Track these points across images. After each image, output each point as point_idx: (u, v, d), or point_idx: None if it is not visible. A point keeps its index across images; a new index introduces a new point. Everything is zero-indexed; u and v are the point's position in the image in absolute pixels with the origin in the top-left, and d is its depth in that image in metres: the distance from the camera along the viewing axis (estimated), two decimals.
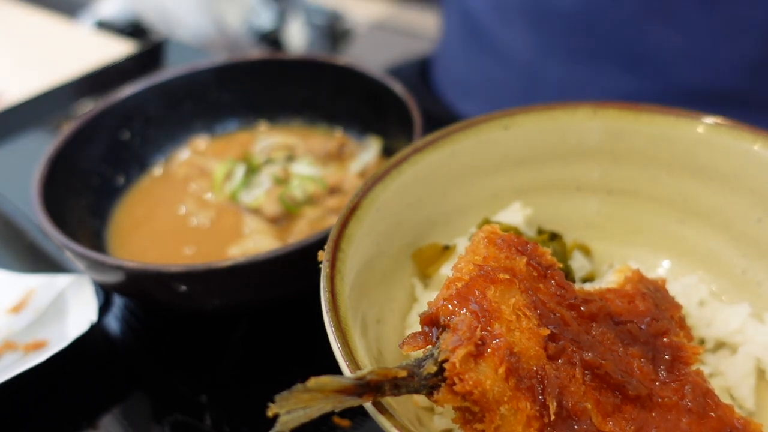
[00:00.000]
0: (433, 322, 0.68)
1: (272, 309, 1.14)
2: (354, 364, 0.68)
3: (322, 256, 0.79)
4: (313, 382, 0.60)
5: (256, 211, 1.32)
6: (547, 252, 0.76)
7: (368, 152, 1.42)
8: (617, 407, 0.69)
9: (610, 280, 0.85)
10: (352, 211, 0.85)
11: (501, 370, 0.63)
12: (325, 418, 0.97)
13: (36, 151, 1.40)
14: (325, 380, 0.61)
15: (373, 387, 0.63)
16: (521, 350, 0.66)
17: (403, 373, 0.63)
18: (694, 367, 0.75)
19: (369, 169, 1.39)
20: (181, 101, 1.48)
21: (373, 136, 1.44)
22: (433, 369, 0.64)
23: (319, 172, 1.38)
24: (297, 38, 2.80)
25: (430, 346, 0.67)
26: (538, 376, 0.66)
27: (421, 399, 0.81)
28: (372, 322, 0.84)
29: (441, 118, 1.98)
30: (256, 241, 1.23)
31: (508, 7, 1.80)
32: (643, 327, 0.76)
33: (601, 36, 1.68)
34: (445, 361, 0.63)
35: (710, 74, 1.63)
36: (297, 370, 1.08)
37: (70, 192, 1.26)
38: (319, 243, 0.89)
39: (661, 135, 0.95)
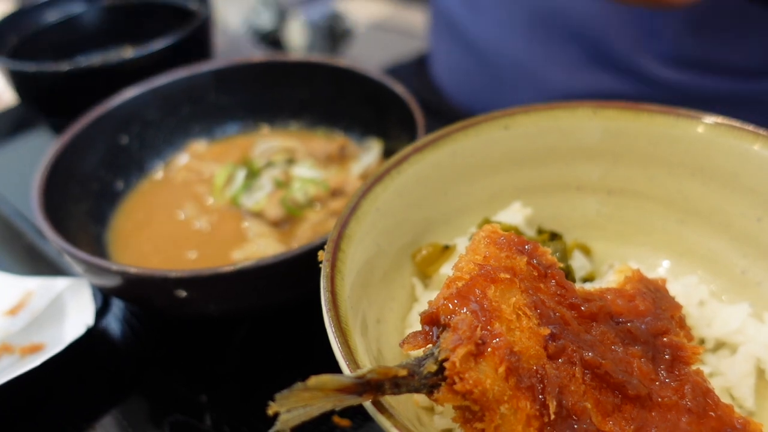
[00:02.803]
0: (433, 321, 0.68)
1: (274, 312, 1.14)
2: (354, 363, 0.68)
3: (323, 256, 0.79)
4: (313, 380, 0.60)
5: (258, 215, 1.31)
6: (547, 251, 0.76)
7: (369, 154, 1.42)
8: (617, 407, 0.69)
9: (610, 279, 0.85)
10: (353, 211, 0.85)
11: (501, 370, 0.63)
12: (325, 418, 0.97)
13: (36, 152, 1.40)
14: (326, 379, 0.61)
15: (373, 386, 0.63)
16: (521, 350, 0.66)
17: (404, 372, 0.63)
18: (694, 367, 0.74)
19: (370, 171, 1.39)
20: (179, 105, 1.48)
21: (374, 138, 1.44)
22: (434, 368, 0.64)
23: (321, 175, 1.37)
24: (297, 38, 2.81)
25: (430, 345, 0.67)
26: (538, 376, 0.65)
27: (421, 399, 0.81)
28: (372, 322, 0.84)
29: (441, 110, 2.01)
30: (260, 245, 1.23)
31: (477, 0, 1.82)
32: (643, 327, 0.75)
33: (564, 21, 1.70)
34: (446, 360, 0.63)
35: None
36: (297, 370, 1.08)
37: (69, 198, 1.26)
38: (325, 245, 0.90)
39: (661, 135, 0.95)
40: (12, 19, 1.79)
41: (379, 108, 1.40)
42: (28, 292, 1.18)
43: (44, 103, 1.69)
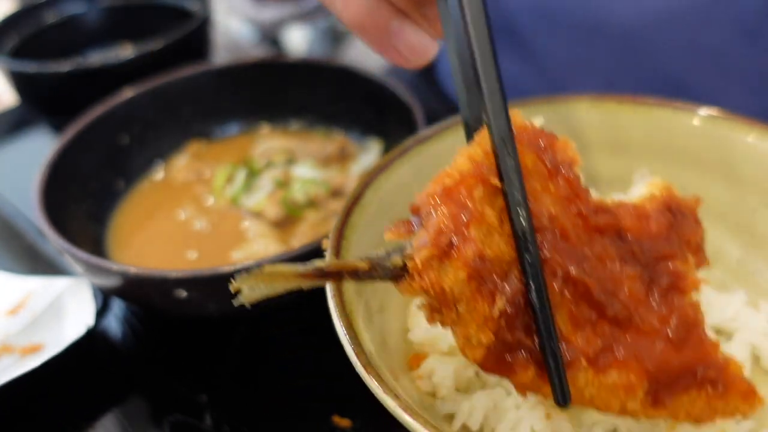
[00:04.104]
0: (416, 213, 0.68)
1: (274, 312, 1.14)
2: (359, 346, 0.69)
3: (326, 244, 0.80)
4: (268, 267, 0.61)
5: (257, 215, 1.31)
6: (568, 147, 0.73)
7: (369, 154, 1.41)
8: (591, 322, 0.68)
9: (637, 192, 0.84)
10: (356, 200, 0.86)
11: (462, 274, 0.63)
12: (326, 418, 0.97)
13: (36, 152, 1.39)
14: (281, 267, 0.62)
15: (331, 274, 0.64)
16: (495, 255, 0.65)
17: (365, 266, 0.64)
18: (695, 298, 0.73)
19: None
20: (179, 105, 1.48)
21: (374, 138, 1.44)
22: (399, 263, 0.65)
23: (321, 175, 1.37)
24: (297, 38, 2.80)
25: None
26: (502, 282, 0.65)
27: (423, 384, 0.81)
28: (375, 311, 0.84)
29: (445, 115, 1.95)
30: (260, 245, 1.23)
31: (554, 14, 1.76)
32: (648, 248, 0.73)
33: (645, 57, 1.64)
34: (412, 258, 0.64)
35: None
36: (297, 370, 1.08)
37: (70, 197, 1.26)
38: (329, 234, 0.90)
39: (659, 127, 0.96)
40: (12, 19, 1.79)
41: (379, 108, 1.40)
42: (28, 293, 1.18)
43: (44, 103, 1.69)
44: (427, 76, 2.15)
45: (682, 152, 0.96)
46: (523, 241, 0.66)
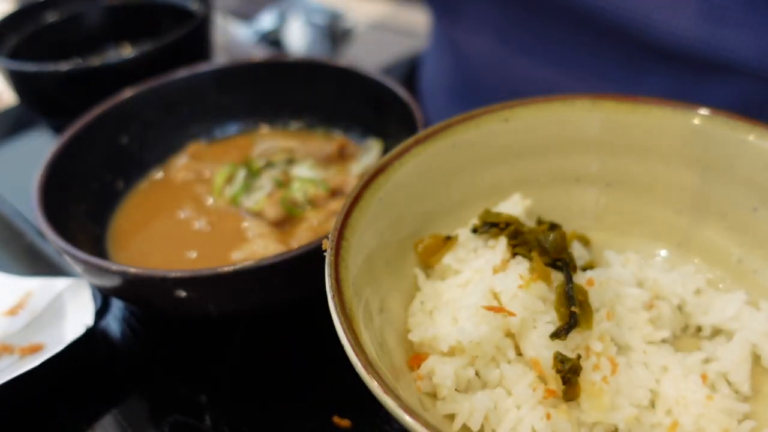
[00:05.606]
0: None
1: (274, 312, 1.14)
2: (359, 346, 0.68)
3: (327, 245, 0.80)
4: None
5: (257, 215, 1.31)
6: None
7: (369, 154, 1.41)
8: None
9: None
10: (355, 200, 0.86)
11: None
12: (326, 418, 0.97)
13: (36, 152, 1.39)
14: None
15: None
16: None
17: None
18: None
19: None
20: (179, 105, 1.48)
21: (374, 138, 1.44)
22: None
23: (320, 175, 1.37)
24: (297, 38, 2.80)
25: None
26: None
27: (423, 385, 0.81)
28: (375, 312, 0.84)
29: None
30: (260, 245, 1.22)
31: (515, 88, 1.69)
32: None
33: None
34: None
35: None
36: (297, 370, 1.08)
37: (69, 198, 1.25)
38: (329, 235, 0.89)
39: (658, 126, 0.96)
40: (12, 19, 1.79)
41: (379, 108, 1.40)
42: (27, 293, 1.18)
43: (44, 103, 1.69)
44: (411, 78, 2.12)
45: (682, 152, 0.95)
46: None
